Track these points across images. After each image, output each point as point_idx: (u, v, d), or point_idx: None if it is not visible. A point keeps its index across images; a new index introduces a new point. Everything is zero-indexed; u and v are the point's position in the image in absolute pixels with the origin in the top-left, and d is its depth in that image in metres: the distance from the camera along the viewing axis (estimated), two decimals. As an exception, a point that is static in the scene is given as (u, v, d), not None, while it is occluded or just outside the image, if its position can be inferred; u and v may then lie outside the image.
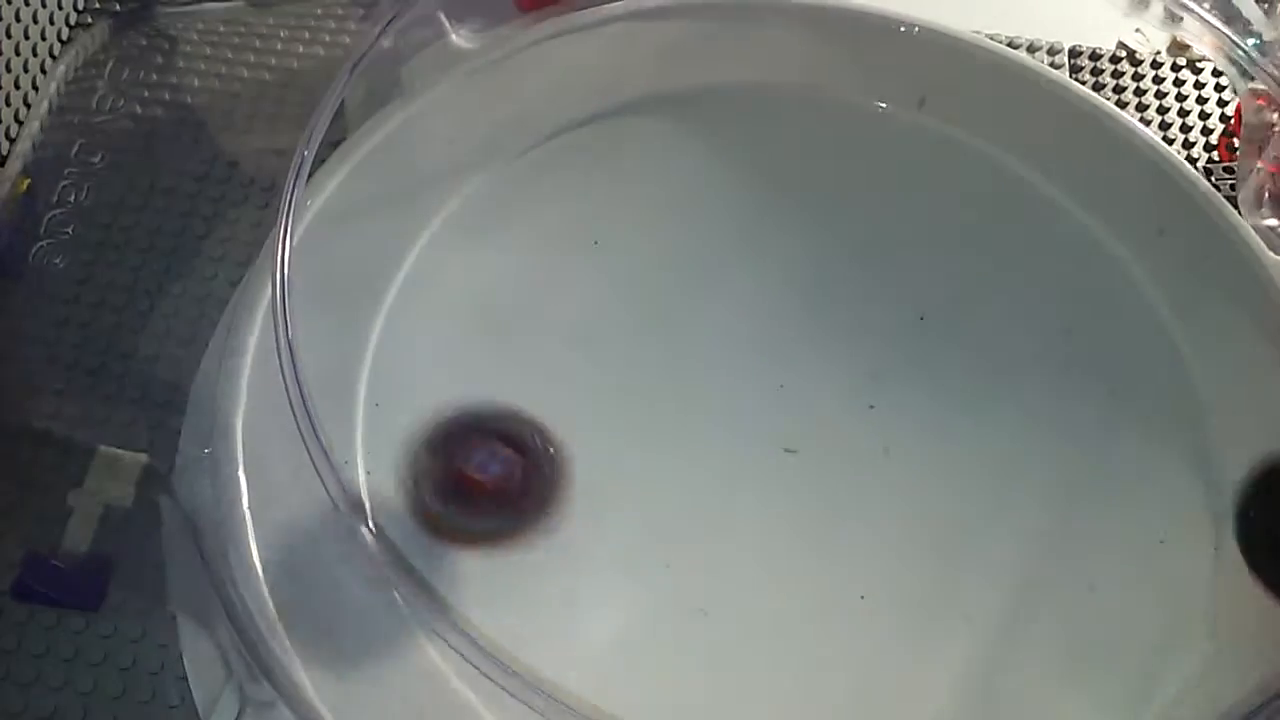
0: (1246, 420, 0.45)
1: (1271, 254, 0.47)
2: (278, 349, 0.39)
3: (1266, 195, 0.49)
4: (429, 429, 0.42)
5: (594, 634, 0.41)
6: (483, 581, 0.40)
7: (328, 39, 0.54)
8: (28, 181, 0.48)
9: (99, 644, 0.41)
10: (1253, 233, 0.47)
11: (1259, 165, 0.49)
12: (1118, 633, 0.42)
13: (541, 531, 0.42)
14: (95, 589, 0.41)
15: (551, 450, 0.43)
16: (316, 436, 0.38)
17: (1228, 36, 0.49)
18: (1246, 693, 0.39)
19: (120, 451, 0.43)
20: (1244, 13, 0.53)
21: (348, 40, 0.53)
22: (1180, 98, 0.55)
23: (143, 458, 0.43)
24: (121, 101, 0.51)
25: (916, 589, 0.43)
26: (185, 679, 0.39)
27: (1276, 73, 0.49)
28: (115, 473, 0.43)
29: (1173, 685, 0.41)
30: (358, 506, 0.39)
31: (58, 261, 0.47)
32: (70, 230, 0.48)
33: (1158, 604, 0.42)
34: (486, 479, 0.42)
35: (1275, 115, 0.50)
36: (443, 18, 0.48)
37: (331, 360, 0.42)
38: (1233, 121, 0.54)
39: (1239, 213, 0.48)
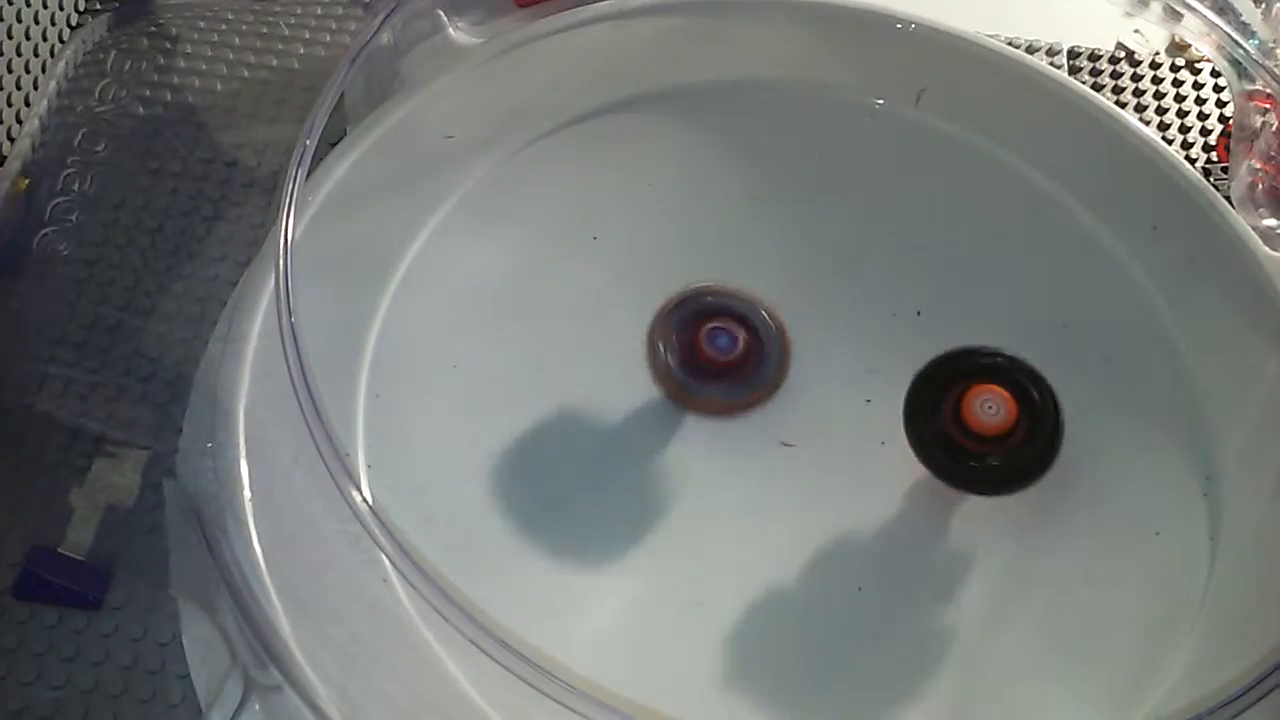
0: (1241, 414, 0.45)
1: (1266, 250, 0.47)
2: (281, 336, 0.39)
3: (1259, 192, 0.49)
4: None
5: (591, 624, 0.41)
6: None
7: (328, 38, 0.54)
8: (26, 182, 0.49)
9: (100, 642, 0.41)
10: (1248, 229, 0.47)
11: (1250, 163, 0.49)
12: (1113, 624, 0.42)
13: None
14: (97, 587, 0.41)
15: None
16: (320, 419, 0.38)
17: (1229, 36, 0.49)
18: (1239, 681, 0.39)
19: (123, 448, 0.43)
20: (1241, 15, 0.53)
21: (348, 39, 0.54)
22: (1179, 98, 0.56)
23: (145, 454, 0.43)
24: (124, 92, 0.51)
25: (912, 581, 0.43)
26: (186, 677, 0.40)
27: (1278, 72, 0.49)
28: (118, 470, 0.43)
29: (1167, 675, 0.41)
30: (359, 490, 0.39)
31: (62, 249, 0.47)
32: (74, 218, 0.48)
33: (1152, 595, 0.42)
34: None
35: (1267, 115, 0.50)
36: (441, 12, 0.48)
37: (332, 351, 0.42)
38: (1231, 122, 0.54)
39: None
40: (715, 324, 0.45)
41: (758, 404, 0.45)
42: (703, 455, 0.44)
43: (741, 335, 0.44)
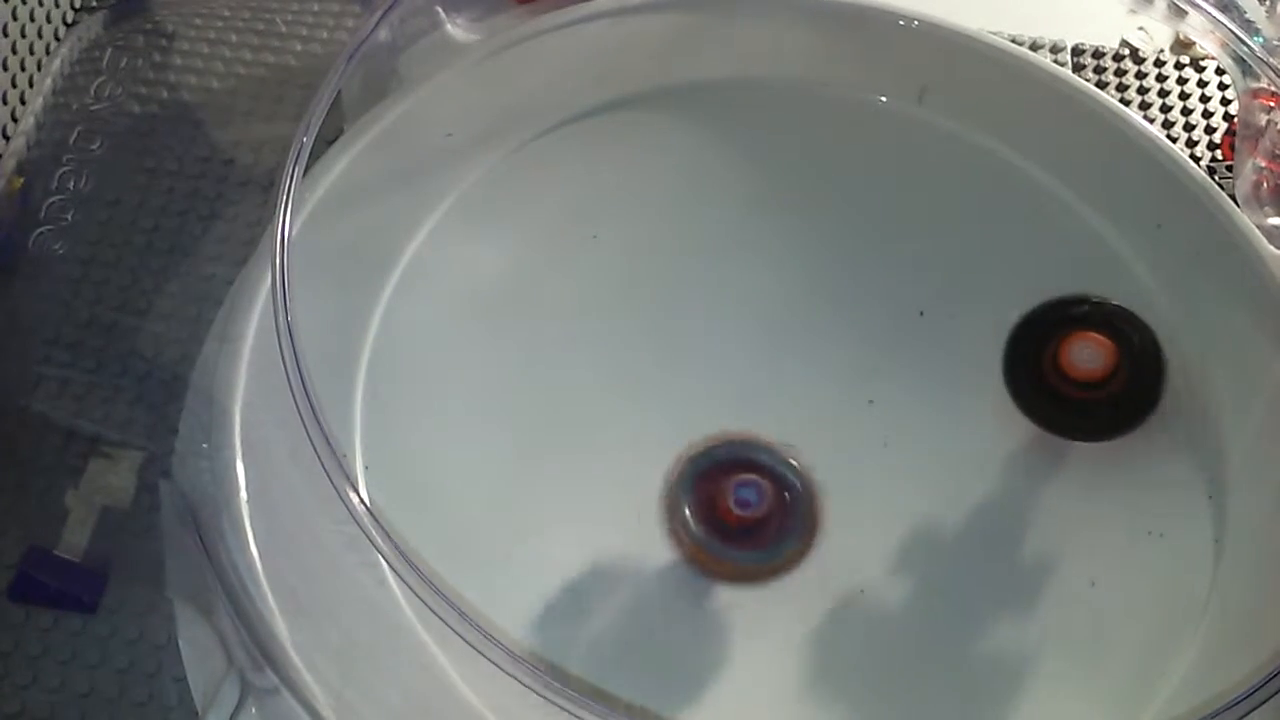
0: (1246, 415, 0.45)
1: (1271, 249, 0.46)
2: (278, 335, 0.39)
3: (1264, 191, 0.49)
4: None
5: (590, 625, 0.41)
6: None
7: (325, 35, 0.54)
8: (21, 181, 0.48)
9: (96, 645, 0.41)
10: (1252, 227, 0.47)
11: (1255, 161, 0.49)
12: (1118, 626, 0.42)
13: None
14: (93, 589, 0.41)
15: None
16: (316, 419, 0.38)
17: (1234, 33, 0.49)
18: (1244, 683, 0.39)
19: (119, 449, 0.43)
20: (1246, 12, 0.53)
21: (346, 36, 0.53)
22: (1183, 96, 0.55)
23: (141, 455, 0.43)
24: (120, 90, 0.51)
25: (916, 583, 0.42)
26: (182, 680, 0.40)
27: (1281, 70, 0.49)
28: (114, 471, 0.43)
29: (1173, 677, 0.41)
30: (356, 491, 0.39)
31: (57, 248, 0.47)
32: (70, 216, 0.48)
33: (1157, 597, 0.42)
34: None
35: (1271, 113, 0.50)
36: (439, 9, 0.48)
37: (330, 351, 0.42)
38: (1236, 120, 0.54)
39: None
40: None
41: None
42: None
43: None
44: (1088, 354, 0.44)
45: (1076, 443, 0.45)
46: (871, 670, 0.41)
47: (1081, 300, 0.46)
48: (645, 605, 0.42)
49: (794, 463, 0.44)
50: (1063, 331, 0.45)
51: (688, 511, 0.43)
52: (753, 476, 0.43)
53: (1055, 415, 0.45)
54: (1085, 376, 0.44)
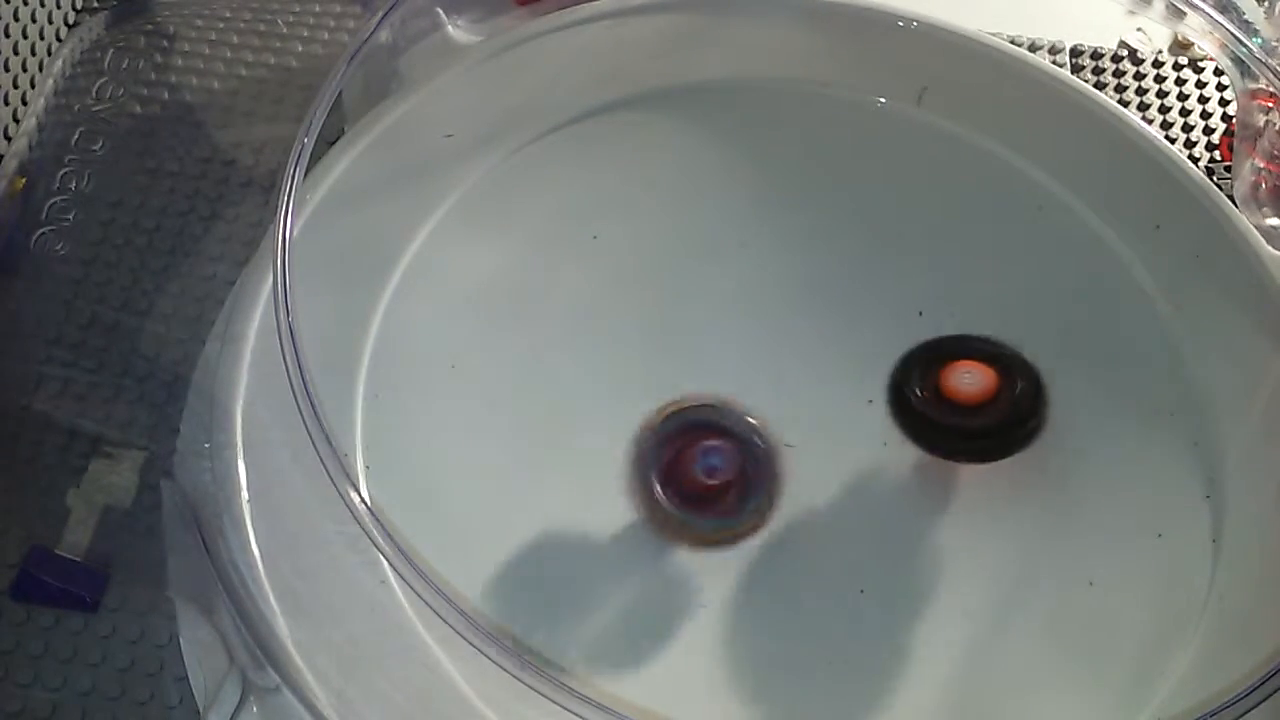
0: (1244, 415, 0.45)
1: (1270, 250, 0.47)
2: (279, 335, 0.39)
3: (1262, 192, 0.49)
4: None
5: (591, 625, 0.41)
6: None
7: (326, 36, 0.54)
8: (23, 181, 0.48)
9: (97, 644, 0.41)
10: (1251, 228, 0.47)
11: (1254, 162, 0.49)
12: (1116, 626, 0.42)
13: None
14: (95, 588, 0.41)
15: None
16: (318, 419, 0.38)
17: (1232, 34, 0.49)
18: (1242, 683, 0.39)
19: (121, 449, 0.43)
20: (1244, 13, 0.53)
21: (347, 37, 0.53)
22: (1182, 97, 0.56)
23: (142, 455, 0.43)
24: (122, 91, 0.51)
25: (915, 583, 0.42)
26: (184, 679, 0.40)
27: (1280, 70, 0.49)
28: (115, 470, 0.43)
29: (1171, 676, 0.41)
30: (358, 491, 0.39)
31: (59, 248, 0.47)
32: (71, 217, 0.48)
33: (1155, 598, 0.42)
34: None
35: (1270, 114, 0.50)
36: (440, 10, 0.48)
37: (331, 351, 0.42)
38: (1234, 121, 0.54)
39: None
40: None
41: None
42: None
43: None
44: (969, 379, 0.44)
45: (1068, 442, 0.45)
46: (859, 669, 0.41)
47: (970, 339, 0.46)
48: (648, 600, 0.42)
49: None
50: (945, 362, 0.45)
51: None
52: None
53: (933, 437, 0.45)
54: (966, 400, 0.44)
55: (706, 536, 0.42)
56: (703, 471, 0.42)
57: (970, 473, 0.44)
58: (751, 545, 0.42)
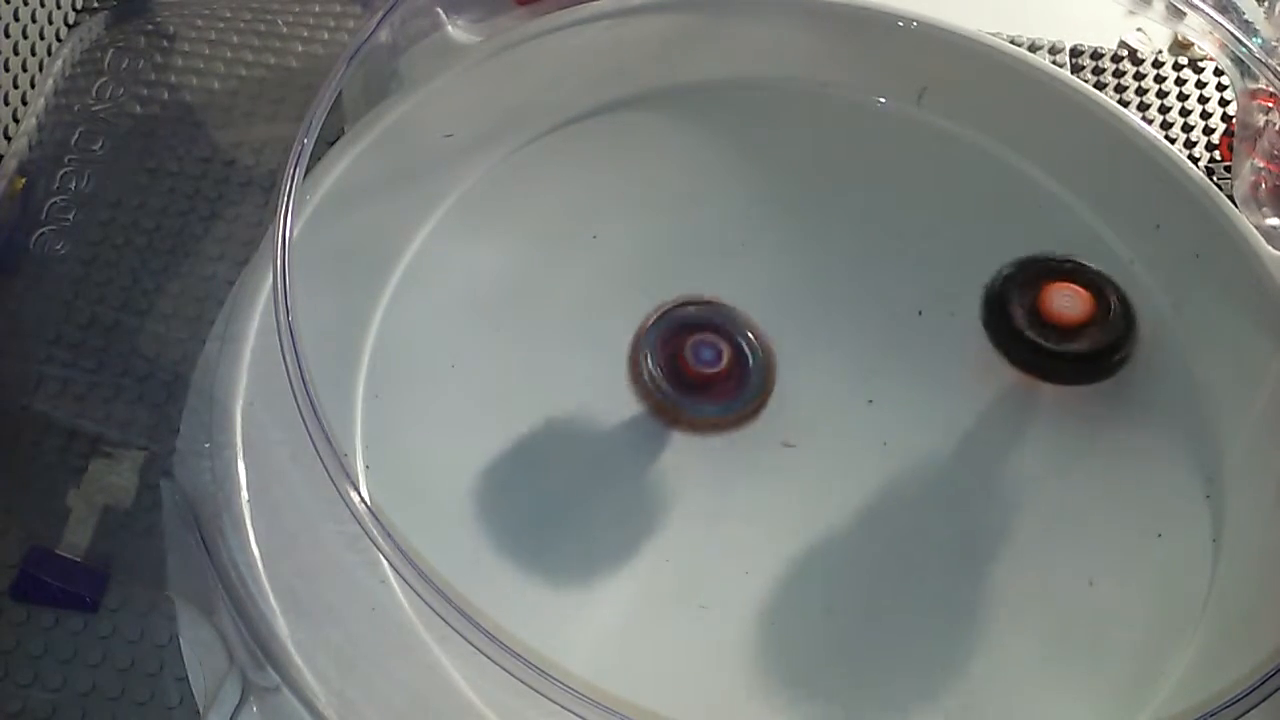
0: (1244, 415, 0.45)
1: (1270, 249, 0.47)
2: (279, 335, 0.39)
3: (1262, 192, 0.49)
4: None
5: (590, 626, 0.41)
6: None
7: (326, 36, 0.54)
8: (23, 180, 0.48)
9: (97, 644, 0.41)
10: (1250, 228, 0.47)
11: (1254, 162, 0.49)
12: (1116, 625, 0.42)
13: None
14: (95, 588, 0.41)
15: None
16: (318, 419, 0.38)
17: (1232, 34, 0.49)
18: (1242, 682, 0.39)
19: (120, 449, 0.43)
20: (1244, 13, 0.53)
21: (347, 37, 0.53)
22: (1182, 97, 0.56)
23: (142, 455, 0.43)
24: (122, 91, 0.51)
25: (915, 583, 0.42)
26: (184, 679, 0.40)
27: (1280, 70, 0.49)
28: (115, 470, 0.43)
29: (1171, 676, 0.41)
30: (357, 491, 0.39)
31: (59, 248, 0.47)
32: (71, 217, 0.48)
33: (1155, 597, 0.42)
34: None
35: (1270, 114, 0.50)
36: (440, 10, 0.48)
37: (331, 351, 0.42)
38: (1234, 121, 0.54)
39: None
40: (699, 338, 0.44)
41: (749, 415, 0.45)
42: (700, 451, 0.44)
43: (725, 349, 0.44)
44: (1067, 301, 0.45)
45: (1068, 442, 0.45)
46: (859, 668, 0.41)
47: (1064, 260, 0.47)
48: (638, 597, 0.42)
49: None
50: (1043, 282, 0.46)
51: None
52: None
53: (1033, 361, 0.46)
54: (1064, 322, 0.45)
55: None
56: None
57: (967, 472, 0.44)
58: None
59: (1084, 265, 0.47)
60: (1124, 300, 0.46)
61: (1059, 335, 0.45)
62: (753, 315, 0.46)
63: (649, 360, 0.44)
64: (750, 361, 0.45)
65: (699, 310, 0.45)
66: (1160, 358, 0.46)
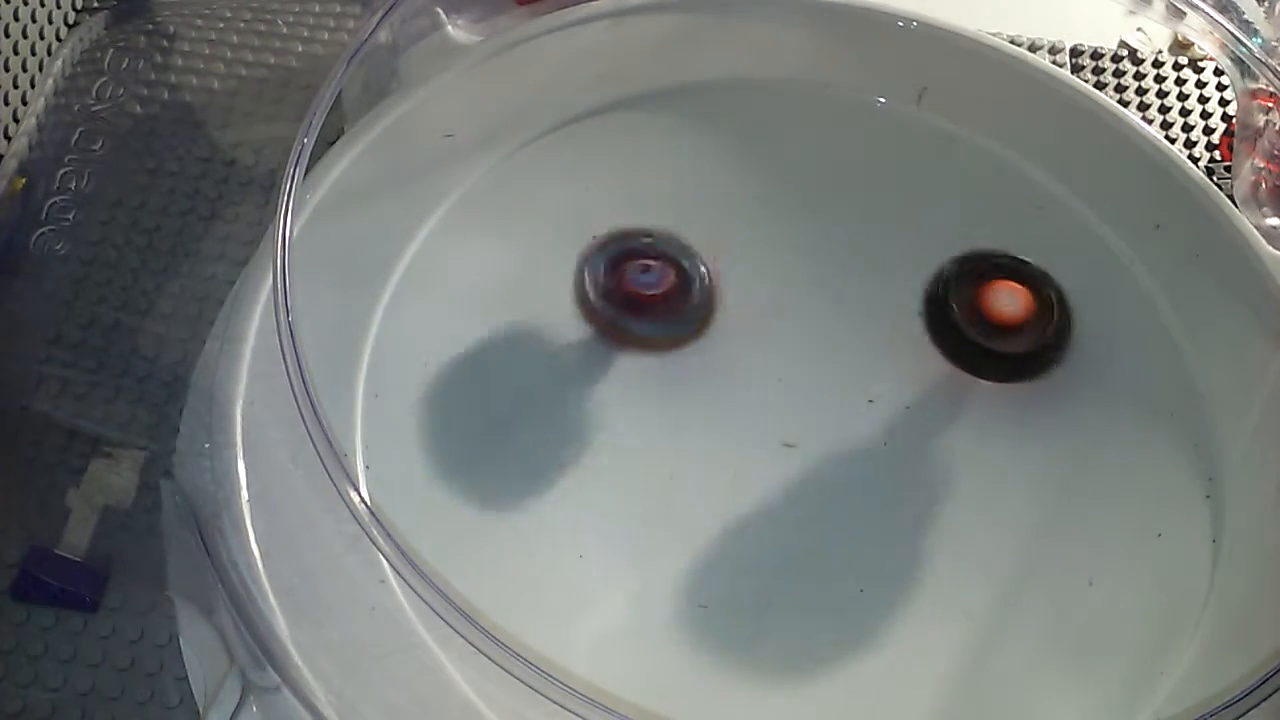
0: (1243, 415, 0.45)
1: (1270, 250, 0.47)
2: (279, 335, 0.39)
3: (1262, 192, 0.49)
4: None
5: (591, 626, 0.41)
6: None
7: (326, 35, 0.54)
8: (23, 181, 0.48)
9: (97, 644, 0.41)
10: (1250, 228, 0.47)
11: (1254, 162, 0.49)
12: (1115, 626, 0.42)
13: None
14: (94, 588, 0.41)
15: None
16: (318, 419, 0.38)
17: (1232, 34, 0.49)
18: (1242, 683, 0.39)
19: (120, 449, 0.43)
20: (1244, 13, 0.53)
21: (346, 37, 0.53)
22: (1182, 97, 0.56)
23: (142, 455, 0.43)
24: (122, 91, 0.51)
25: (915, 583, 0.42)
26: (184, 679, 0.40)
27: (1280, 70, 0.49)
28: (115, 470, 0.43)
29: (1171, 676, 0.41)
30: (358, 491, 0.39)
31: (59, 248, 0.47)
32: (71, 217, 0.48)
33: (1155, 597, 0.42)
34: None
35: (1270, 114, 0.50)
36: (439, 10, 0.48)
37: (331, 351, 0.42)
38: (1234, 121, 0.54)
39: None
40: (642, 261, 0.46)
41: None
42: (700, 451, 0.44)
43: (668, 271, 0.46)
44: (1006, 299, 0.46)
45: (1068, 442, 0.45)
46: (859, 668, 0.41)
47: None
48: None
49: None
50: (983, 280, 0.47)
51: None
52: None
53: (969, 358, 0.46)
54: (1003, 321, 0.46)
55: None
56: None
57: (967, 472, 0.44)
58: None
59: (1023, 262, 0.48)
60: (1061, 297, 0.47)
61: (998, 333, 0.46)
62: (749, 315, 0.46)
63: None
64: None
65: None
66: (1160, 358, 0.46)
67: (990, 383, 0.46)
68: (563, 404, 0.44)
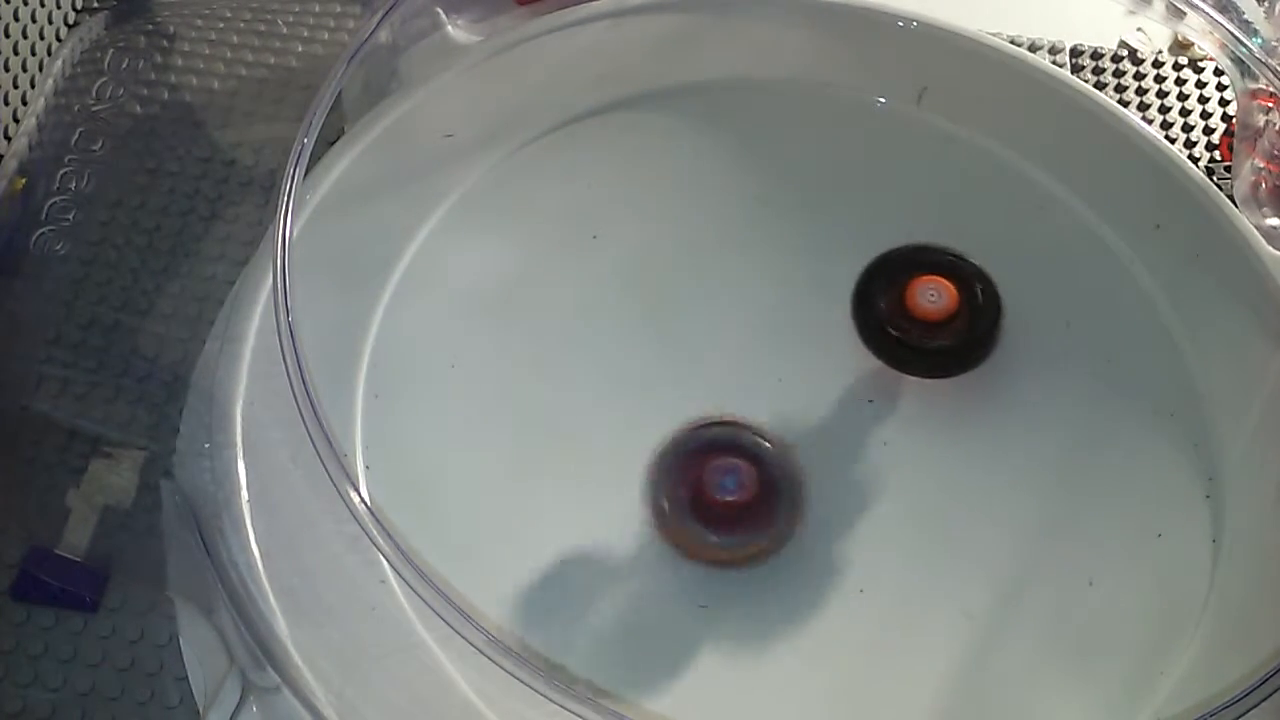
0: (1244, 415, 0.45)
1: (1270, 250, 0.47)
2: (279, 335, 0.39)
3: (1262, 192, 0.49)
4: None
5: (591, 625, 0.41)
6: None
7: (326, 36, 0.54)
8: (23, 181, 0.48)
9: (97, 644, 0.41)
10: (1250, 228, 0.47)
11: (1254, 162, 0.49)
12: (1116, 626, 0.42)
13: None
14: (94, 588, 0.41)
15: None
16: (318, 419, 0.38)
17: (1232, 34, 0.49)
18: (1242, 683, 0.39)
19: (120, 449, 0.43)
20: (1244, 13, 0.53)
21: (346, 37, 0.53)
22: (1182, 97, 0.55)
23: (142, 455, 0.43)
24: (122, 91, 0.51)
25: (914, 583, 0.42)
26: (184, 679, 0.40)
27: (1280, 70, 0.49)
28: (115, 470, 0.43)
29: (1171, 676, 0.40)
30: (357, 491, 0.39)
31: (59, 248, 0.47)
32: (71, 217, 0.48)
33: (1155, 597, 0.42)
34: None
35: (1270, 114, 0.50)
36: (439, 10, 0.48)
37: (331, 351, 0.42)
38: (1234, 121, 0.54)
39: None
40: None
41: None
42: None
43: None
44: (932, 295, 0.46)
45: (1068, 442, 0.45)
46: (859, 667, 0.41)
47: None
48: (642, 596, 0.42)
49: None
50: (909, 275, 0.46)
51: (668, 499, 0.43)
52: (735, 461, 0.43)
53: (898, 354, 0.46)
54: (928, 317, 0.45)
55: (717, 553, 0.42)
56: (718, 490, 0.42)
57: (967, 471, 0.44)
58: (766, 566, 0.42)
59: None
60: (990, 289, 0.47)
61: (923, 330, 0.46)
62: (749, 315, 0.46)
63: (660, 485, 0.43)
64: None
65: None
66: (1160, 358, 0.46)
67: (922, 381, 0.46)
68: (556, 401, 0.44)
